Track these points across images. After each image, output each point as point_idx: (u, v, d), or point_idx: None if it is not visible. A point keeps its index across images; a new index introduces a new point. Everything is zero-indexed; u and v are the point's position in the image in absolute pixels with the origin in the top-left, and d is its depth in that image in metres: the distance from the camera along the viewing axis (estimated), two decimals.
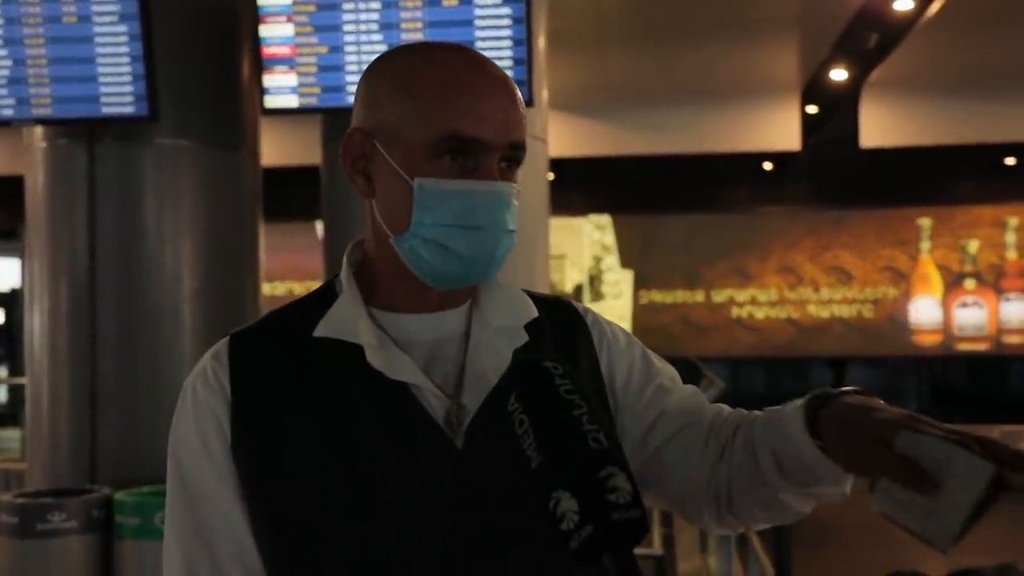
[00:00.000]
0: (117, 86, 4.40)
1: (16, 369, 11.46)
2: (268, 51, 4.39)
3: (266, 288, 5.30)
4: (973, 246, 13.62)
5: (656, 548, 5.77)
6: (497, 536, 1.19)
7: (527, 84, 4.19)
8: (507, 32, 4.20)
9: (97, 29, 4.38)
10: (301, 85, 4.38)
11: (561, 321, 1.37)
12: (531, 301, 1.35)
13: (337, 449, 1.21)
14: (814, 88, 11.46)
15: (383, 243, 1.27)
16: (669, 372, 1.43)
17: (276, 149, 6.85)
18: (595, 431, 1.02)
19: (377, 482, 1.20)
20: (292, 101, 4.42)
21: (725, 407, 1.40)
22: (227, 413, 1.24)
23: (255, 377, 1.25)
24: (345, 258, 1.33)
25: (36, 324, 4.72)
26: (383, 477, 1.20)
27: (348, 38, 4.29)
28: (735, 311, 13.94)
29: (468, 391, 1.25)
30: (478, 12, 4.21)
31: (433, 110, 1.20)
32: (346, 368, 1.23)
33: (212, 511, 1.23)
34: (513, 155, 1.25)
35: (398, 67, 1.26)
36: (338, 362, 1.24)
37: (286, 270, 13.11)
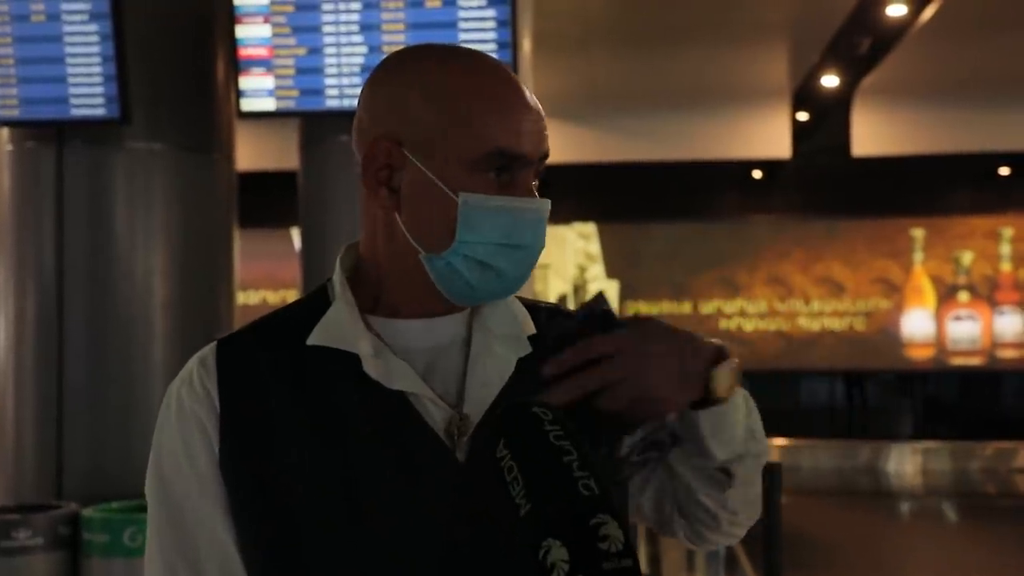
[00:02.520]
0: (87, 87, 4.39)
1: None
2: (244, 52, 4.39)
3: (240, 297, 5.29)
4: (967, 258, 13.70)
5: (641, 568, 5.78)
6: (498, 552, 1.19)
7: None
8: (492, 35, 4.22)
9: (67, 28, 4.37)
10: (278, 88, 4.39)
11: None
12: (527, 313, 1.34)
13: (332, 462, 1.20)
14: (805, 94, 11.52)
15: (402, 256, 1.25)
16: None
17: (252, 153, 6.85)
18: (585, 477, 1.02)
19: (374, 496, 1.19)
20: (269, 104, 4.43)
21: None
22: (214, 423, 1.22)
23: (244, 386, 1.24)
24: (338, 262, 1.31)
25: (1, 334, 4.70)
26: (380, 490, 1.19)
27: (327, 40, 4.30)
28: (723, 323, 13.98)
29: (470, 400, 1.24)
30: (462, 14, 4.22)
31: (479, 124, 1.20)
32: (341, 377, 1.22)
33: (195, 523, 1.22)
34: (541, 168, 1.26)
35: (428, 74, 1.24)
36: (333, 371, 1.23)
37: (261, 279, 13.09)
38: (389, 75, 1.27)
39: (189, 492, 1.23)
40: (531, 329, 1.32)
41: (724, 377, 1.20)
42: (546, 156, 1.25)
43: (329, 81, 4.30)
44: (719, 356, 1.20)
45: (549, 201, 1.25)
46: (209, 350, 1.27)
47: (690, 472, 1.30)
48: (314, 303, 1.29)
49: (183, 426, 1.24)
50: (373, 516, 1.19)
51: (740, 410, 1.25)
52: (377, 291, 1.29)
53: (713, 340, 1.22)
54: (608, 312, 1.17)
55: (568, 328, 1.17)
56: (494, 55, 4.16)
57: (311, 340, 1.24)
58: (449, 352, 1.28)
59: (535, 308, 1.36)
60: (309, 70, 4.33)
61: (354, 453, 1.20)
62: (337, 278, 1.29)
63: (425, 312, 1.28)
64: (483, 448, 1.10)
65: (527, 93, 1.24)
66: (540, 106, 1.25)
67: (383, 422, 1.22)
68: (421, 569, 1.19)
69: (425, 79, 1.24)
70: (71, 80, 4.40)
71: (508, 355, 1.28)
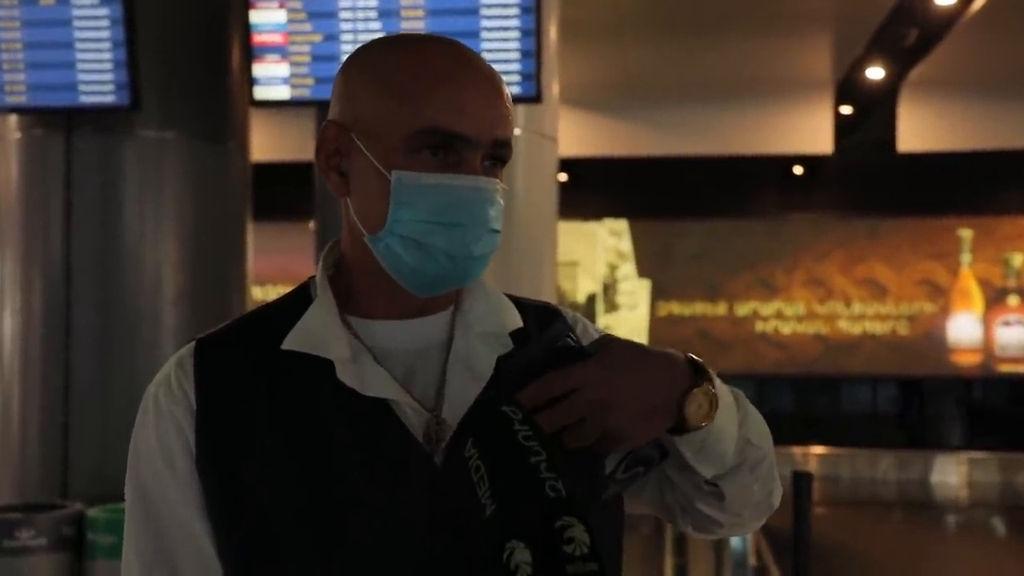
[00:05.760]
0: (97, 73, 4.42)
1: None
2: (259, 39, 4.41)
3: (257, 292, 5.33)
4: (1017, 260, 13.61)
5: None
6: (477, 560, 1.20)
7: (535, 78, 4.21)
8: (515, 23, 4.22)
9: (76, 12, 4.41)
10: (293, 75, 4.41)
11: (548, 328, 1.36)
12: (515, 309, 1.36)
13: (307, 469, 1.22)
14: (849, 87, 11.48)
15: (359, 244, 1.28)
16: None
17: (267, 143, 6.88)
18: (553, 479, 1.03)
19: (349, 503, 1.21)
20: (284, 92, 4.45)
21: None
22: (191, 424, 1.25)
23: (222, 388, 1.26)
24: (320, 260, 1.34)
25: (7, 326, 4.75)
26: (356, 498, 1.21)
27: (344, 26, 4.32)
28: (759, 325, 13.95)
29: (449, 403, 1.25)
30: (484, 0, 4.23)
31: (412, 102, 1.22)
32: (318, 383, 1.24)
33: (174, 527, 1.24)
34: (498, 153, 1.26)
35: (377, 58, 1.28)
36: (310, 376, 1.25)
37: (277, 273, 13.14)
38: (347, 63, 1.31)
39: (167, 494, 1.25)
40: (516, 324, 1.33)
41: (698, 404, 1.18)
42: (504, 142, 1.26)
43: None
44: (696, 377, 1.19)
45: (495, 180, 1.26)
46: (187, 351, 1.30)
47: (683, 483, 1.30)
48: (296, 302, 1.32)
49: (161, 429, 1.26)
50: (350, 521, 1.20)
51: (726, 429, 1.24)
52: (353, 290, 1.31)
53: (691, 356, 1.21)
54: (569, 346, 1.16)
55: (530, 360, 1.16)
56: (516, 43, 4.23)
57: (286, 344, 1.26)
58: (430, 354, 1.30)
59: (521, 304, 1.38)
60: (325, 57, 4.35)
61: (331, 458, 1.22)
62: (319, 277, 1.32)
63: (400, 311, 1.30)
64: (452, 447, 1.11)
65: (486, 77, 1.26)
66: (502, 92, 1.27)
67: (361, 427, 1.23)
68: (399, 574, 1.20)
69: (374, 63, 1.27)
70: (81, 66, 4.43)
71: (488, 355, 1.29)
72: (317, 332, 1.26)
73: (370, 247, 1.26)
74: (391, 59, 1.26)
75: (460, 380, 1.27)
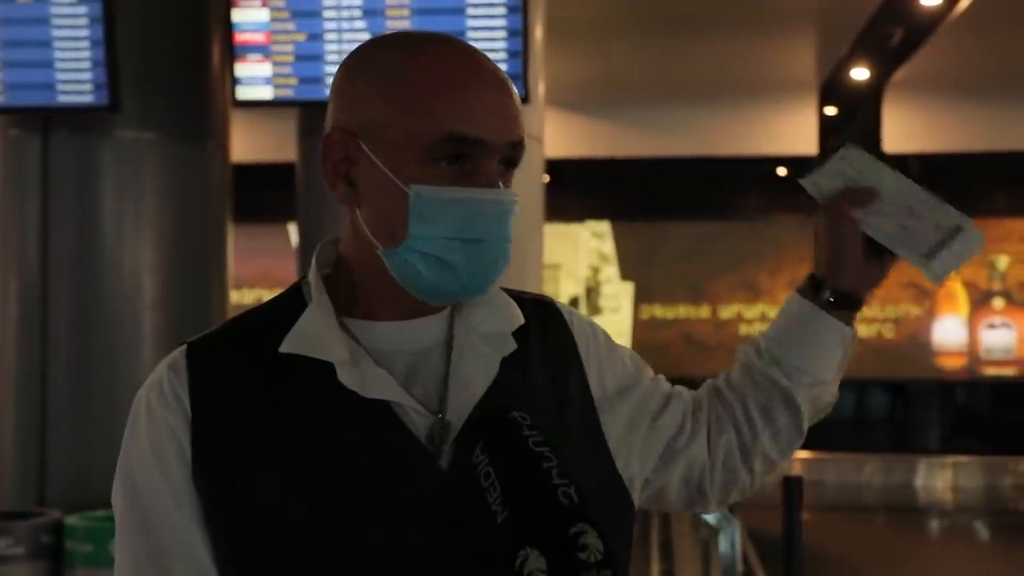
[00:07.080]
0: (75, 73, 4.40)
1: None
2: (241, 38, 4.40)
3: (234, 296, 5.31)
4: (1003, 262, 13.67)
5: None
6: (483, 563, 1.19)
7: (522, 78, 4.21)
8: (502, 22, 4.22)
9: (54, 10, 4.39)
10: (276, 75, 4.40)
11: (547, 325, 1.39)
12: (517, 306, 1.35)
13: (308, 474, 1.20)
14: (833, 88, 11.51)
15: (368, 254, 1.26)
16: (649, 371, 1.52)
17: (248, 145, 6.86)
18: (565, 485, 1.04)
19: (351, 508, 1.19)
20: (266, 92, 4.43)
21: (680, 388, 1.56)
22: (186, 431, 1.23)
23: (217, 393, 1.24)
24: (314, 261, 1.32)
25: None
26: (358, 502, 1.19)
27: (328, 25, 4.31)
28: (743, 328, 13.96)
29: (452, 405, 1.24)
30: (470, 0, 4.23)
31: (429, 109, 1.19)
32: (317, 386, 1.23)
33: (169, 536, 1.23)
34: (512, 155, 1.25)
35: (384, 60, 1.25)
36: (308, 379, 1.23)
37: (256, 276, 13.11)
38: (349, 65, 1.28)
39: (162, 503, 1.23)
40: (519, 322, 1.32)
41: None
42: (518, 144, 1.25)
43: (329, 69, 4.30)
44: None
45: (512, 192, 1.24)
46: (179, 354, 1.27)
47: (775, 398, 1.53)
48: (289, 304, 1.29)
49: (154, 436, 1.24)
50: (352, 526, 1.19)
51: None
52: (353, 292, 1.29)
53: None
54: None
55: None
56: (503, 43, 4.22)
57: (284, 348, 1.24)
58: (431, 354, 1.28)
59: (520, 299, 1.37)
60: (308, 57, 4.34)
61: (332, 462, 1.21)
62: (313, 278, 1.29)
63: (403, 313, 1.28)
64: (460, 453, 1.11)
65: (497, 79, 1.24)
66: (512, 91, 1.25)
67: (362, 430, 1.22)
68: None
69: (380, 67, 1.24)
70: (58, 65, 4.41)
71: (492, 355, 1.28)
72: (315, 334, 1.24)
73: (384, 260, 1.24)
74: (399, 63, 1.23)
75: (463, 380, 1.26)
